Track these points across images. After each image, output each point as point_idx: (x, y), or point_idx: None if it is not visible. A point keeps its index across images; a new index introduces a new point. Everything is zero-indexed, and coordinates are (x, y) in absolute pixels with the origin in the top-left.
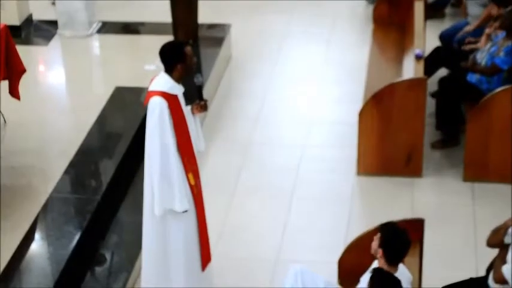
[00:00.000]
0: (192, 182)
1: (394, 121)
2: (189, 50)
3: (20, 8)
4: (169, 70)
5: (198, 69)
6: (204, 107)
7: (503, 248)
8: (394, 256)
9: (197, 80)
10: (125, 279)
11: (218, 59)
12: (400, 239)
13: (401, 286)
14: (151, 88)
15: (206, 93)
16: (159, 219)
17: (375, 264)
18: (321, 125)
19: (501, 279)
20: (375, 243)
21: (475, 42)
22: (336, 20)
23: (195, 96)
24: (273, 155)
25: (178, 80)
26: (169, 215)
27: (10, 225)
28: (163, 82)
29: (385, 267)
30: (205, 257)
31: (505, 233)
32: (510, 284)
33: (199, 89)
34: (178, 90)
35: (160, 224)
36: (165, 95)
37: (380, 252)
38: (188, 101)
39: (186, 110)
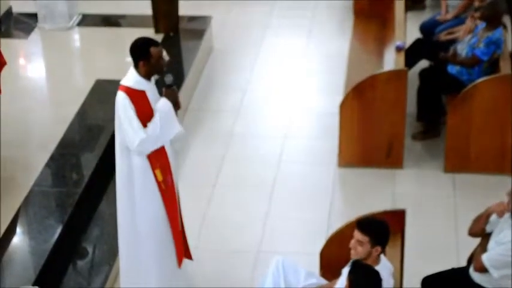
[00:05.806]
0: (160, 179)
1: (374, 113)
2: (155, 50)
3: None
4: (135, 66)
5: (179, 64)
6: (172, 94)
7: (485, 237)
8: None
9: (167, 79)
10: (106, 272)
11: (199, 51)
12: (382, 224)
13: (380, 277)
14: (121, 82)
15: (188, 86)
16: (130, 217)
17: None
18: (302, 116)
19: (481, 268)
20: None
21: (453, 33)
22: (316, 11)
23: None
24: (255, 146)
25: (145, 76)
26: (138, 215)
27: None
28: (131, 77)
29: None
30: (180, 254)
31: (486, 220)
32: (490, 272)
33: (168, 87)
34: (146, 86)
35: (131, 224)
36: (128, 90)
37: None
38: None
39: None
